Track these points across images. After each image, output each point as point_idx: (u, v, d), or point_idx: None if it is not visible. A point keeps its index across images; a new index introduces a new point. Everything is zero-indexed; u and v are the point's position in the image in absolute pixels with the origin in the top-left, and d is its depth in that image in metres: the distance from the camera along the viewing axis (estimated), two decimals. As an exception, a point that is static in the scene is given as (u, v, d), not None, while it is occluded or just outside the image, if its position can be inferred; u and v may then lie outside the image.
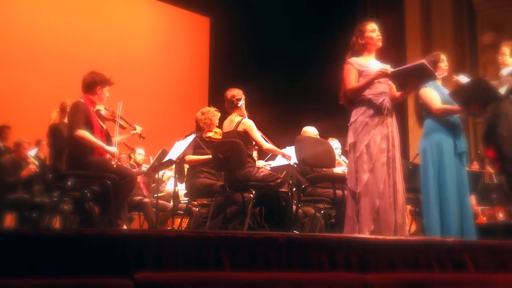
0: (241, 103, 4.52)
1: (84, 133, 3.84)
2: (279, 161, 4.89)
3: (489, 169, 6.54)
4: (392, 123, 3.41)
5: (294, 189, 4.65)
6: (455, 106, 3.76)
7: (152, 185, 6.17)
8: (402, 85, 3.47)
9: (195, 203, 5.53)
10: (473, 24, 9.60)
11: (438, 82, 3.90)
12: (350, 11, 9.04)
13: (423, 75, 3.42)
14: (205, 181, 4.71)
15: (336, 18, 8.60)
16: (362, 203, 3.26)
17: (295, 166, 4.57)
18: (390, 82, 3.49)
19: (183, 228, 5.80)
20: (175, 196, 5.19)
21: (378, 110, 3.36)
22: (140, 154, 6.14)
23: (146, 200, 5.71)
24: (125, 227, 3.96)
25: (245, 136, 4.38)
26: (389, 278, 2.34)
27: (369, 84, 3.38)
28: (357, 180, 3.31)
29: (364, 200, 3.25)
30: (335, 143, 5.22)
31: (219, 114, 5.00)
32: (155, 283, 1.78)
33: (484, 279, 2.63)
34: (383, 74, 3.35)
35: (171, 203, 5.60)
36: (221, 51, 9.58)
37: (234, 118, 4.50)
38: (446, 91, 3.86)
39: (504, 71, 4.26)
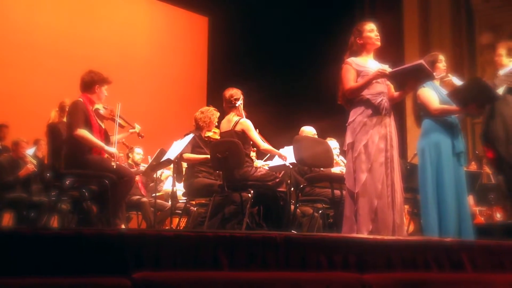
0: (239, 103, 4.53)
1: (84, 132, 3.84)
2: (277, 161, 4.89)
3: (487, 169, 6.55)
4: (390, 123, 3.42)
5: (292, 188, 4.65)
6: (453, 107, 3.77)
7: (151, 184, 6.17)
8: (400, 86, 3.47)
9: (193, 202, 5.52)
10: (471, 25, 9.61)
11: (436, 83, 3.91)
12: (348, 11, 9.05)
13: (421, 75, 3.43)
14: (203, 181, 4.71)
15: (334, 18, 8.60)
16: (360, 203, 3.26)
17: (291, 166, 4.58)
18: (388, 82, 3.50)
19: (181, 228, 5.79)
20: (173, 195, 5.19)
21: (376, 110, 3.37)
22: (138, 153, 6.14)
23: (144, 199, 5.71)
24: (123, 226, 3.96)
25: (243, 136, 4.38)
26: (387, 278, 2.34)
27: (368, 84, 3.38)
28: (355, 180, 3.32)
29: (362, 200, 3.26)
30: (333, 143, 5.23)
31: (218, 114, 5.00)
32: (153, 282, 1.78)
33: (482, 279, 2.64)
34: (381, 75, 3.36)
35: (169, 202, 5.60)
36: (220, 50, 9.58)
37: (232, 118, 4.50)
38: (444, 91, 3.87)
39: (501, 72, 4.27)
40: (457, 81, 3.95)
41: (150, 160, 5.76)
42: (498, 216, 6.25)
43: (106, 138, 4.08)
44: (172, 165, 4.98)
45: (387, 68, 3.42)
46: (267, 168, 4.96)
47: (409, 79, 3.42)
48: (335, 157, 4.98)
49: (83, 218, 4.16)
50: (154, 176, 5.77)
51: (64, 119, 4.66)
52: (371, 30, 3.51)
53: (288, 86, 9.38)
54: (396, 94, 3.53)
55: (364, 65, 3.46)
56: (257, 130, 4.55)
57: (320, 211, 4.96)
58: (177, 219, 6.01)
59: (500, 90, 4.08)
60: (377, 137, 3.33)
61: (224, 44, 9.42)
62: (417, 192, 4.00)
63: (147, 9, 9.43)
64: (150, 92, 8.82)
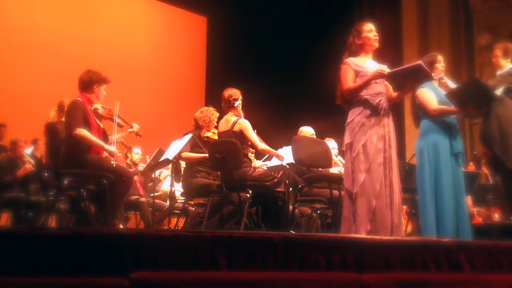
0: (238, 103, 4.53)
1: (83, 131, 3.84)
2: (276, 161, 4.89)
3: (485, 170, 6.56)
4: (388, 123, 3.42)
5: (290, 189, 4.65)
6: (452, 107, 3.78)
7: (149, 184, 6.16)
8: (399, 86, 3.47)
9: (192, 202, 5.52)
10: (470, 25, 9.62)
11: (435, 83, 3.91)
12: (347, 11, 9.06)
13: (420, 76, 3.43)
14: (201, 181, 4.71)
15: (333, 18, 8.60)
16: (358, 203, 3.26)
17: (287, 167, 4.58)
18: (387, 83, 3.50)
19: (179, 228, 5.79)
20: (171, 195, 5.18)
21: (375, 111, 3.37)
22: (136, 153, 6.13)
23: (143, 199, 5.70)
24: (121, 226, 3.96)
25: (241, 136, 4.38)
26: (385, 278, 2.34)
27: (366, 84, 3.38)
28: (353, 180, 3.32)
29: (361, 200, 3.26)
30: (331, 143, 5.23)
31: (217, 114, 5.00)
32: (151, 282, 1.78)
33: (480, 279, 2.64)
34: (379, 75, 3.36)
35: (168, 202, 5.60)
36: (218, 50, 9.58)
37: (230, 118, 4.50)
38: (442, 92, 3.88)
39: (499, 72, 4.29)
40: (451, 84, 3.96)
41: (148, 160, 5.76)
42: (496, 216, 6.25)
43: (105, 138, 4.08)
44: (170, 165, 4.97)
45: (385, 69, 3.42)
46: (266, 168, 4.96)
47: (407, 80, 3.42)
48: (333, 157, 4.98)
49: (81, 218, 4.15)
50: (153, 176, 5.76)
51: (63, 119, 4.65)
52: (369, 30, 3.51)
53: (287, 86, 9.38)
54: (394, 94, 3.53)
55: (363, 66, 3.46)
56: (255, 130, 4.55)
57: (319, 211, 4.96)
58: (175, 219, 6.01)
59: (498, 91, 4.09)
60: (376, 137, 3.33)
61: (223, 44, 9.42)
62: (415, 193, 4.00)
63: (146, 9, 9.42)
64: (149, 92, 8.82)
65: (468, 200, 5.45)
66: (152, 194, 5.49)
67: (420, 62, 3.41)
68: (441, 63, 3.96)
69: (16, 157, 5.71)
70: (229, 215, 4.55)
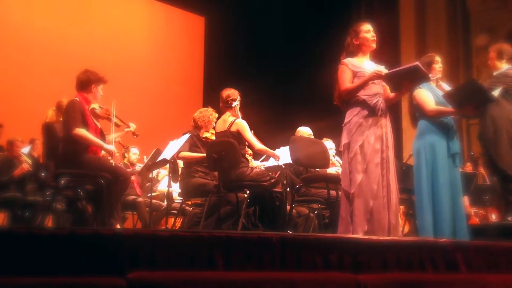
0: (235, 103, 4.53)
1: (82, 131, 3.84)
2: (274, 161, 4.89)
3: (482, 170, 6.57)
4: (386, 124, 3.42)
5: (288, 189, 4.66)
6: (449, 108, 3.78)
7: (147, 184, 6.16)
8: (396, 87, 3.48)
9: (189, 202, 5.52)
10: (467, 26, 9.65)
11: (432, 84, 3.92)
12: (345, 11, 9.07)
13: (417, 77, 3.43)
14: (199, 181, 4.70)
15: (331, 19, 8.61)
16: (355, 203, 3.27)
17: (283, 166, 4.58)
18: (384, 83, 3.50)
19: (176, 228, 5.78)
20: (168, 195, 5.18)
21: (372, 111, 3.37)
22: (134, 153, 6.13)
23: (140, 199, 5.70)
24: (118, 226, 3.95)
25: (238, 136, 4.38)
26: (382, 278, 2.35)
27: (363, 85, 3.39)
28: (351, 180, 3.32)
29: (358, 200, 3.26)
30: (329, 144, 5.23)
31: (216, 115, 5.00)
32: (148, 282, 1.78)
33: (477, 279, 2.65)
34: (377, 76, 3.36)
35: (165, 202, 5.59)
36: (216, 50, 9.58)
37: (227, 118, 4.51)
38: (440, 93, 3.88)
39: (495, 74, 4.32)
40: (447, 87, 3.97)
41: (146, 161, 5.75)
42: (493, 217, 6.27)
43: (102, 137, 4.07)
44: (168, 165, 4.97)
45: (383, 69, 3.42)
46: (263, 169, 4.96)
47: (404, 81, 3.42)
48: (331, 157, 4.99)
49: (78, 218, 4.14)
50: (150, 176, 5.75)
51: (61, 119, 4.64)
52: (367, 30, 3.51)
53: (285, 86, 9.38)
54: (391, 95, 3.53)
55: (360, 66, 3.47)
56: (252, 131, 4.55)
57: (316, 212, 4.97)
58: (173, 219, 6.00)
59: (495, 92, 4.10)
60: (373, 138, 3.33)
61: (221, 44, 9.42)
62: (412, 193, 4.01)
63: (144, 9, 9.41)
64: (147, 92, 8.81)
65: (465, 200, 5.46)
66: (149, 194, 5.48)
67: (417, 63, 3.42)
68: (438, 63, 3.97)
69: (13, 156, 5.70)
70: (227, 215, 4.55)
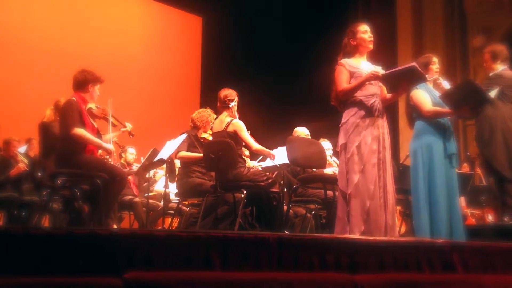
0: (233, 104, 4.52)
1: (81, 131, 3.84)
2: (271, 162, 4.89)
3: (479, 171, 6.59)
4: (383, 124, 3.43)
5: (285, 189, 4.66)
6: (446, 109, 3.79)
7: (144, 184, 6.15)
8: (393, 88, 3.48)
9: (186, 202, 5.51)
10: (464, 27, 9.67)
11: (429, 84, 3.92)
12: (342, 12, 9.07)
13: (414, 78, 3.44)
14: (196, 181, 4.70)
15: (328, 19, 8.62)
16: (352, 204, 3.27)
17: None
18: (381, 84, 3.51)
19: (173, 228, 5.78)
20: (165, 195, 5.17)
21: (369, 112, 3.38)
22: (131, 153, 6.12)
23: (137, 199, 5.68)
24: (115, 226, 3.95)
25: (235, 136, 4.38)
26: (379, 278, 2.35)
27: (360, 85, 3.39)
28: (347, 181, 3.33)
29: (355, 201, 3.26)
30: (326, 144, 5.24)
31: (214, 116, 5.00)
32: (145, 282, 1.78)
33: (473, 280, 2.65)
34: (374, 77, 3.37)
35: (162, 202, 5.58)
36: (213, 50, 9.57)
37: (225, 118, 4.50)
38: (437, 93, 3.89)
39: (491, 74, 4.33)
40: (447, 85, 3.98)
41: (143, 160, 5.74)
42: (490, 217, 6.29)
43: (99, 137, 4.06)
44: (165, 165, 4.96)
45: (380, 70, 3.43)
46: (260, 169, 4.96)
47: (401, 82, 3.42)
48: (328, 158, 4.99)
49: (74, 218, 4.13)
50: (147, 176, 5.75)
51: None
52: (364, 31, 3.51)
53: (282, 86, 9.39)
54: (388, 96, 3.53)
55: (357, 67, 3.47)
56: (249, 131, 4.55)
57: (313, 212, 4.97)
58: (170, 219, 5.99)
59: (492, 93, 4.12)
60: (370, 138, 3.34)
61: (218, 44, 9.42)
62: (409, 193, 4.01)
63: (141, 9, 9.40)
64: (144, 92, 8.80)
65: (462, 201, 5.47)
66: (146, 194, 5.48)
67: (414, 64, 3.42)
68: (436, 64, 3.97)
69: (9, 156, 5.68)
70: (224, 215, 4.54)
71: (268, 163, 5.03)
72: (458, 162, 4.18)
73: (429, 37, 9.63)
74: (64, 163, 3.88)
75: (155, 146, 5.36)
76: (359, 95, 3.40)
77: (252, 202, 4.43)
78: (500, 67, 4.34)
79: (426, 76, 3.61)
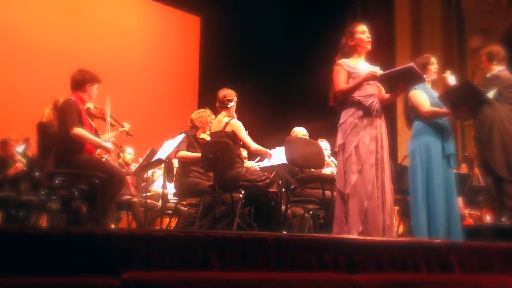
0: (231, 104, 4.52)
1: (81, 131, 3.84)
2: (269, 162, 4.89)
3: (477, 171, 6.59)
4: (381, 124, 3.43)
5: (283, 189, 4.66)
6: (444, 109, 3.79)
7: (142, 184, 6.14)
8: (391, 88, 3.48)
9: (184, 202, 5.51)
10: (462, 28, 9.69)
11: (428, 85, 3.93)
12: (340, 12, 9.08)
13: (412, 78, 3.44)
14: (194, 181, 4.70)
15: (326, 20, 8.62)
16: (350, 204, 3.27)
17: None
18: (379, 84, 3.51)
19: (171, 228, 5.77)
20: (163, 195, 5.17)
21: (367, 112, 3.38)
22: (129, 153, 6.11)
23: (135, 199, 5.68)
24: (113, 226, 3.94)
25: (233, 137, 4.38)
26: (377, 279, 2.35)
27: (358, 86, 3.39)
28: (345, 181, 3.33)
29: (353, 201, 3.27)
30: (324, 144, 5.24)
31: (214, 116, 5.00)
32: (142, 282, 1.77)
33: (471, 280, 2.65)
34: (372, 77, 3.37)
35: (160, 202, 5.58)
36: (212, 50, 9.57)
37: (223, 118, 4.50)
38: (435, 94, 3.89)
39: (488, 75, 4.34)
40: (453, 80, 3.98)
41: (141, 160, 5.73)
42: (487, 218, 6.29)
43: (97, 137, 4.06)
44: (163, 165, 4.96)
45: (378, 70, 3.43)
46: (258, 169, 4.95)
47: (399, 82, 3.43)
48: (326, 158, 4.99)
49: (72, 218, 4.13)
50: (145, 176, 5.74)
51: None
52: (362, 31, 3.52)
53: (280, 87, 9.39)
54: (386, 96, 3.54)
55: (356, 67, 3.47)
56: (247, 131, 4.55)
57: (311, 212, 4.97)
58: (168, 219, 5.99)
59: (490, 94, 4.12)
60: (368, 138, 3.34)
61: (216, 44, 9.41)
62: (407, 194, 4.01)
63: (139, 9, 9.39)
64: (142, 92, 8.79)
65: (460, 201, 5.48)
66: (144, 194, 5.47)
67: (412, 64, 3.42)
68: (434, 65, 3.98)
69: (7, 156, 5.67)
70: (222, 216, 4.54)
71: (266, 163, 5.03)
72: (456, 162, 4.19)
73: (427, 37, 9.64)
74: (62, 163, 3.88)
75: (153, 146, 5.36)
76: (357, 95, 3.41)
77: (250, 202, 4.43)
78: (497, 68, 4.35)
79: (424, 76, 3.62)
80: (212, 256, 2.01)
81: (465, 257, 2.75)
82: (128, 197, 5.68)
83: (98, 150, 4.32)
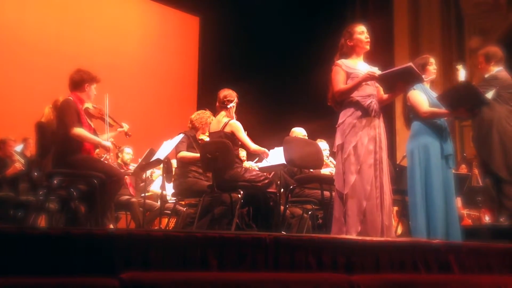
0: (231, 105, 4.52)
1: (81, 131, 3.84)
2: (268, 162, 4.89)
3: (476, 172, 6.60)
4: (379, 125, 3.43)
5: (282, 189, 4.66)
6: (443, 110, 3.80)
7: (141, 184, 6.14)
8: (390, 88, 3.48)
9: (183, 203, 5.50)
10: (461, 28, 9.70)
11: (427, 85, 3.93)
12: (339, 13, 9.08)
13: (411, 78, 3.44)
14: (193, 181, 4.69)
15: (325, 20, 8.63)
16: (349, 204, 3.27)
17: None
18: (378, 84, 3.51)
19: (170, 228, 5.77)
20: (162, 196, 5.16)
21: (366, 112, 3.38)
22: (128, 153, 6.11)
23: (133, 199, 5.68)
24: (111, 226, 3.94)
25: (232, 137, 4.38)
26: (375, 279, 2.35)
27: (357, 86, 3.40)
28: (344, 181, 3.33)
29: (351, 201, 3.27)
30: (323, 144, 5.24)
31: (213, 118, 5.00)
32: (141, 282, 1.77)
33: (469, 280, 2.66)
34: (370, 77, 3.37)
35: (159, 202, 5.58)
36: (211, 50, 9.56)
37: (222, 119, 4.50)
38: (434, 94, 3.90)
39: (486, 76, 4.35)
40: (463, 75, 3.99)
41: (140, 161, 5.73)
42: (486, 218, 6.30)
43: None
44: (162, 165, 4.96)
45: (376, 71, 3.43)
46: (257, 169, 4.95)
47: (398, 82, 3.43)
48: (325, 158, 5.00)
49: (71, 218, 4.12)
50: (144, 176, 5.74)
51: (57, 118, 4.62)
52: (361, 32, 3.52)
53: (279, 87, 9.39)
54: (385, 96, 3.54)
55: (354, 67, 3.47)
56: (246, 132, 4.55)
57: (310, 212, 4.97)
58: (166, 220, 5.98)
59: (489, 94, 4.13)
60: (366, 138, 3.34)
61: (215, 44, 9.41)
62: (405, 194, 4.02)
63: (138, 9, 9.38)
64: (141, 92, 8.78)
65: (458, 202, 5.48)
66: (143, 194, 5.47)
67: (410, 64, 3.42)
68: (433, 65, 3.98)
69: (5, 156, 5.67)
70: (220, 216, 4.54)
71: (264, 163, 5.03)
72: (455, 163, 4.20)
73: (426, 38, 9.65)
74: (61, 162, 3.87)
75: (152, 146, 5.36)
76: (356, 95, 3.41)
77: (249, 202, 4.43)
78: (495, 69, 4.36)
79: (423, 76, 3.62)
80: (210, 256, 2.01)
81: (463, 258, 2.75)
82: (127, 197, 5.68)
83: (97, 150, 4.31)
